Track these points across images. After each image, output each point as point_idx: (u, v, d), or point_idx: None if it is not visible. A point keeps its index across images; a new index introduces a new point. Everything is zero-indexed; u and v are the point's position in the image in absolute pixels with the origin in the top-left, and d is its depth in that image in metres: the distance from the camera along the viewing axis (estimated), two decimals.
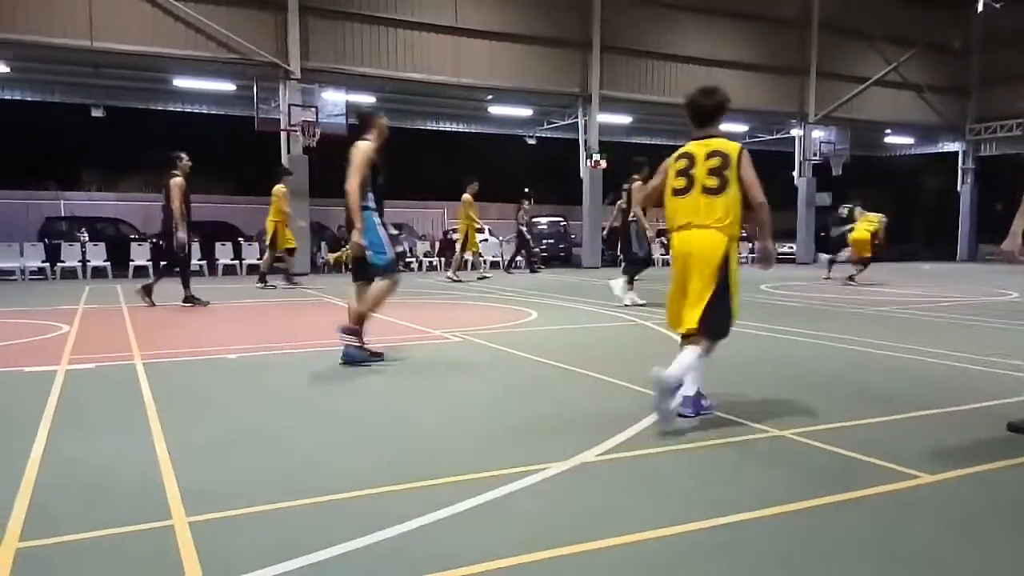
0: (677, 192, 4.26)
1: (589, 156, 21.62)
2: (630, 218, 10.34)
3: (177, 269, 10.26)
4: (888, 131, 27.30)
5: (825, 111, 24.29)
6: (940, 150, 28.83)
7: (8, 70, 17.85)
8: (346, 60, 18.48)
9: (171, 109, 21.96)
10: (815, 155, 24.62)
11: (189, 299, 10.13)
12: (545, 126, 25.63)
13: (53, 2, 15.48)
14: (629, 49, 21.70)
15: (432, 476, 3.17)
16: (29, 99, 20.51)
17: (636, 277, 10.54)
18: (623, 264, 10.98)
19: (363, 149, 5.95)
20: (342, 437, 3.92)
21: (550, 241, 24.14)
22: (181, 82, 19.05)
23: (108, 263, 17.43)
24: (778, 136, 26.23)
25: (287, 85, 17.63)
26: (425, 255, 21.42)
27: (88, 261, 17.52)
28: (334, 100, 18.18)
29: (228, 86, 19.08)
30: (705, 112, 4.32)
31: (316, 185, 18.29)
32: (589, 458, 3.44)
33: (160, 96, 21.18)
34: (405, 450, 3.64)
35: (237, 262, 18.38)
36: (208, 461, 3.47)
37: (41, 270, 16.79)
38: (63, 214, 22.87)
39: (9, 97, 20.07)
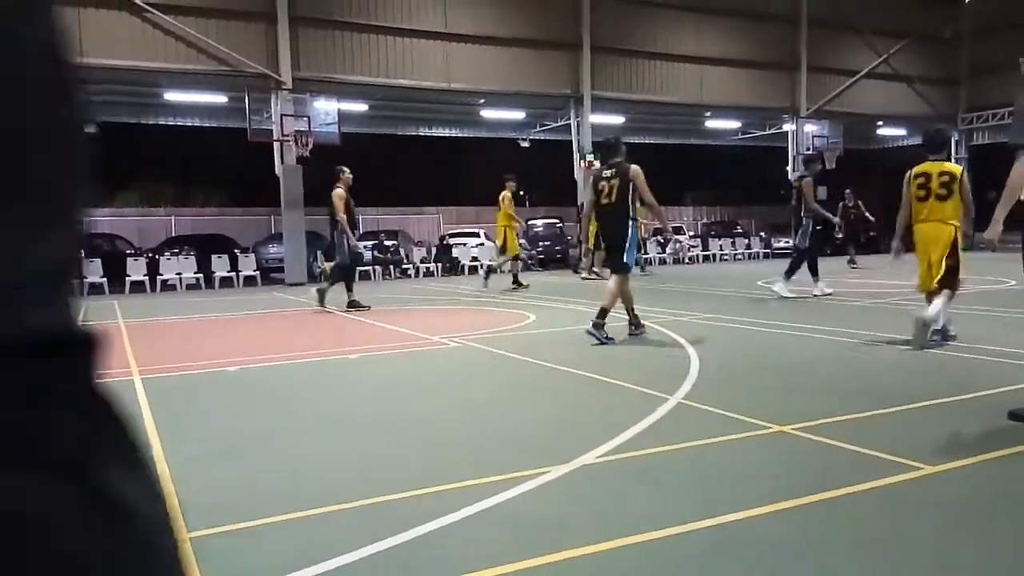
0: (919, 199, 6.30)
1: (582, 157, 21.63)
2: (803, 214, 10.60)
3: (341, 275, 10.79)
4: (880, 123, 27.34)
5: (817, 105, 24.33)
6: None
7: None
8: (337, 69, 18.48)
9: (163, 123, 21.95)
10: (808, 149, 24.64)
11: (352, 304, 10.60)
12: (538, 128, 25.63)
13: None
14: (619, 49, 21.72)
15: (433, 483, 3.17)
16: None
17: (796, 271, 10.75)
18: (792, 260, 11.03)
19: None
20: (342, 446, 3.92)
21: (546, 243, 24.13)
22: (173, 95, 19.04)
23: (104, 279, 17.40)
24: (771, 131, 26.27)
25: (279, 95, 17.62)
26: (422, 261, 21.42)
27: (85, 277, 17.48)
28: (326, 109, 18.17)
29: (220, 98, 19.06)
30: (938, 143, 6.56)
31: (310, 195, 18.29)
32: (590, 460, 3.44)
33: (152, 110, 21.17)
34: (406, 458, 3.64)
35: (233, 274, 18.36)
36: (207, 474, 3.46)
37: None
38: None
39: None
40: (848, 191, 17.82)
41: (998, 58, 24.92)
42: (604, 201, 7.22)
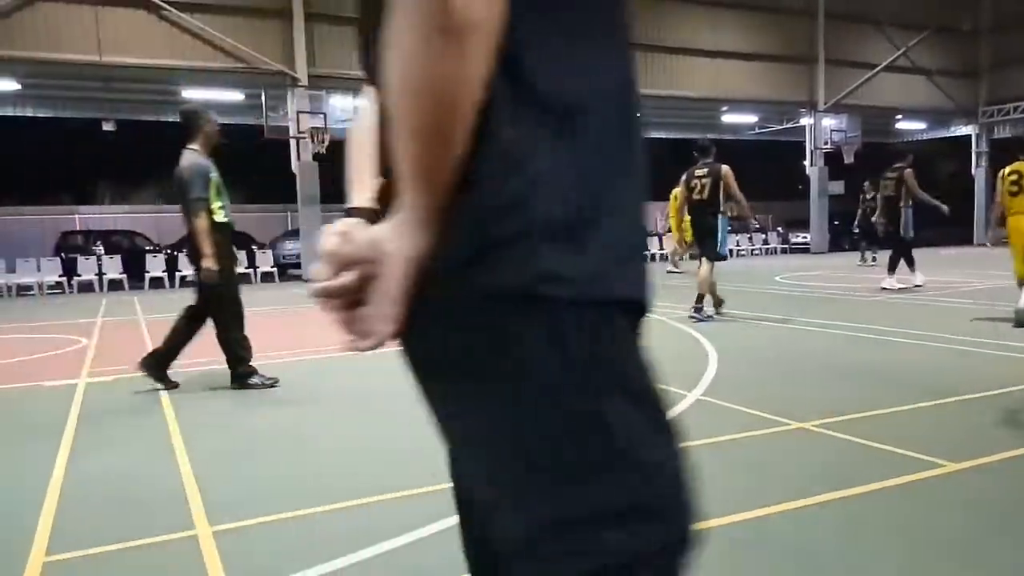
0: (1012, 193, 7.37)
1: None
2: (902, 204, 10.56)
3: None
4: (899, 117, 27.01)
5: (835, 99, 24.08)
6: (953, 134, 28.53)
7: (19, 87, 18.04)
8: (353, 65, 18.52)
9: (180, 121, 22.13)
10: (826, 143, 24.42)
11: None
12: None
13: (60, 19, 15.63)
14: (637, 44, 21.64)
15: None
16: (41, 115, 20.72)
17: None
18: (892, 251, 11.02)
19: None
20: (352, 445, 3.93)
21: None
22: (189, 93, 19.16)
23: (124, 275, 17.57)
24: (788, 125, 26.05)
25: (295, 92, 17.71)
26: None
27: (104, 274, 17.67)
28: (342, 105, 18.24)
29: (237, 95, 19.18)
30: None
31: (327, 191, 18.36)
32: None
33: (169, 108, 21.31)
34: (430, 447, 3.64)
35: (251, 270, 18.48)
36: (230, 470, 3.49)
37: (59, 284, 16.95)
38: (78, 228, 23.11)
39: (21, 114, 20.29)
40: (867, 183, 17.69)
41: (1018, 51, 24.58)
42: (696, 197, 8.10)
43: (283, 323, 9.86)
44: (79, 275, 17.29)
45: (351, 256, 0.75)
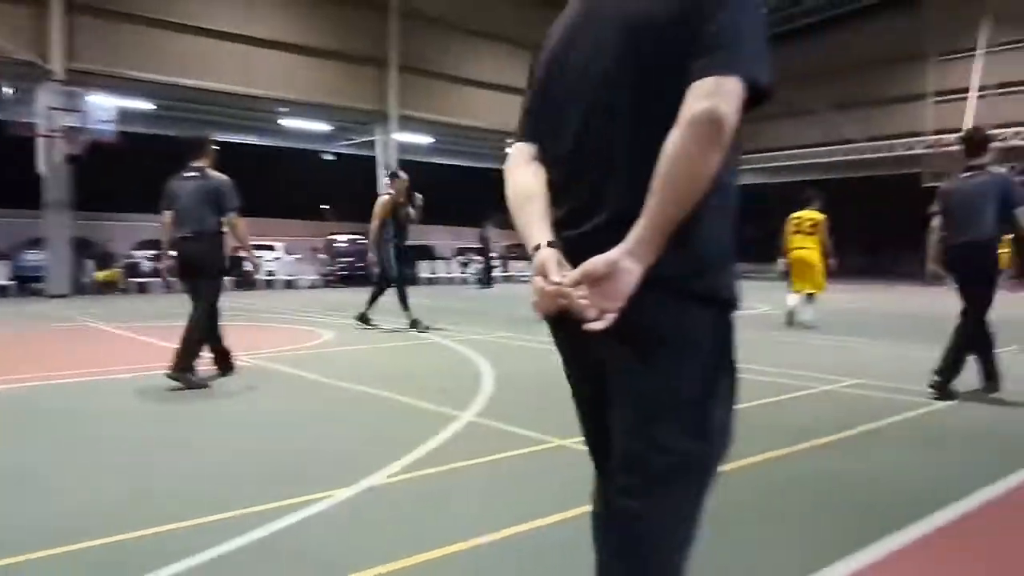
0: (793, 233, 9.81)
1: (388, 174, 21.49)
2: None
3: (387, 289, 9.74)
4: None
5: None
6: None
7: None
8: (120, 63, 16.98)
9: None
10: None
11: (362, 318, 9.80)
12: (343, 142, 25.18)
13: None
14: (428, 71, 21.96)
15: (211, 511, 2.95)
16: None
17: None
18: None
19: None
20: (115, 474, 3.53)
21: (350, 259, 23.60)
22: None
23: None
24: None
25: (46, 87, 15.83)
26: None
27: None
28: (105, 105, 16.60)
29: None
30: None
31: (86, 196, 16.57)
32: (377, 482, 3.38)
33: None
34: (184, 484, 3.36)
35: None
36: None
37: None
38: None
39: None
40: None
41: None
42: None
43: (24, 344, 8.68)
44: None
45: (593, 272, 1.24)
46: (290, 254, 23.94)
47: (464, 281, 24.60)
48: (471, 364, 6.93)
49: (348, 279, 22.69)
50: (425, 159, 27.59)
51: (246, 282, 18.17)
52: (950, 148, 22.91)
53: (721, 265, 1.34)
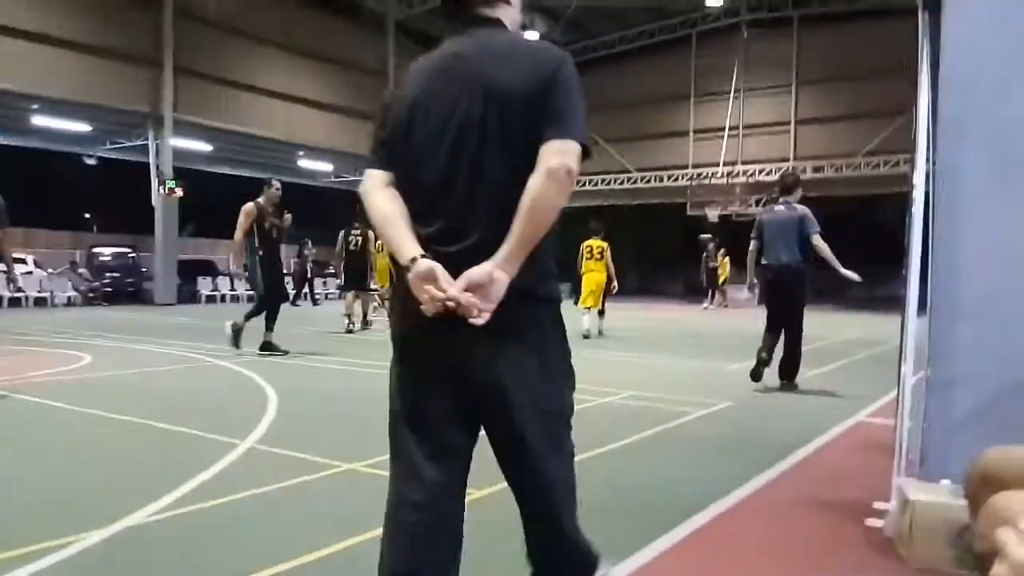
0: (587, 259, 11.55)
1: (162, 183, 19.82)
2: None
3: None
4: None
5: None
6: None
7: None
8: None
9: None
10: None
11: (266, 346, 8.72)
12: (109, 145, 22.88)
13: None
14: (208, 75, 20.59)
15: None
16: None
17: None
18: None
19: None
20: None
21: (115, 275, 21.39)
22: None
23: None
24: (358, 178, 27.37)
25: None
26: None
27: None
28: None
29: None
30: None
31: None
32: (138, 520, 3.05)
33: None
34: None
35: None
36: None
37: None
38: None
39: None
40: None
41: None
42: None
43: None
44: None
45: (476, 281, 1.59)
46: (42, 268, 21.24)
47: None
48: (254, 387, 6.54)
49: (114, 296, 20.56)
50: (206, 168, 25.88)
51: None
52: (708, 181, 25.70)
53: (553, 275, 1.79)
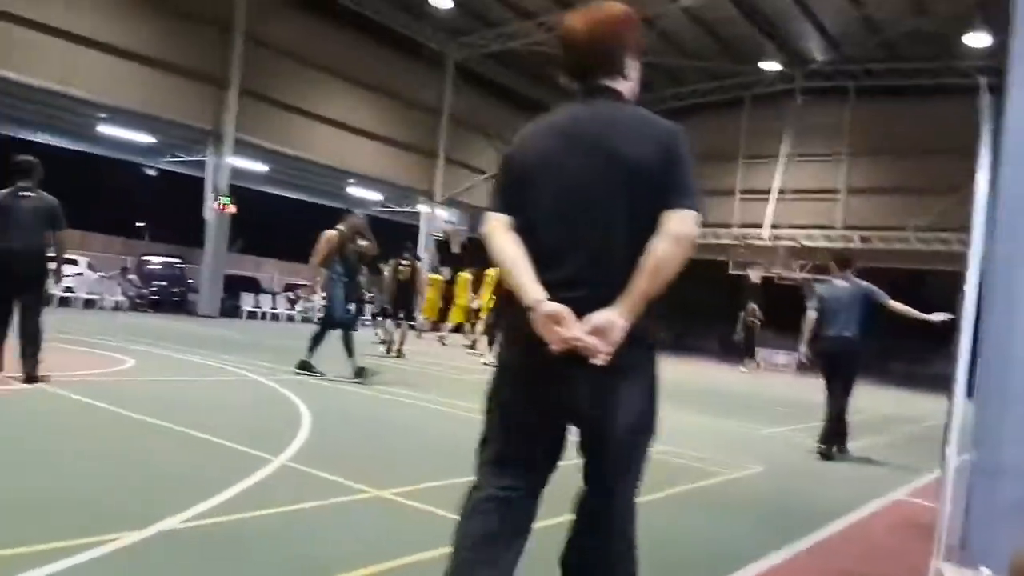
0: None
1: (216, 198, 20.38)
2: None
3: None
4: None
5: (450, 194, 26.42)
6: None
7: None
8: None
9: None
10: (438, 232, 26.60)
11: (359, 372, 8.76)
12: (169, 158, 23.64)
13: None
14: (270, 98, 21.23)
15: None
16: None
17: None
18: None
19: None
20: None
21: (163, 283, 21.89)
22: None
23: None
24: (406, 209, 27.84)
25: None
26: None
27: None
28: None
29: None
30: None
31: None
32: (173, 525, 3.10)
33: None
34: None
35: None
36: None
37: None
38: None
39: None
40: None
41: None
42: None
43: None
44: None
45: (600, 325, 1.82)
46: (94, 271, 21.86)
47: (290, 319, 23.65)
48: (289, 405, 6.62)
49: (159, 304, 21.02)
50: (259, 187, 26.53)
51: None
52: (752, 241, 25.54)
53: (660, 324, 2.01)
